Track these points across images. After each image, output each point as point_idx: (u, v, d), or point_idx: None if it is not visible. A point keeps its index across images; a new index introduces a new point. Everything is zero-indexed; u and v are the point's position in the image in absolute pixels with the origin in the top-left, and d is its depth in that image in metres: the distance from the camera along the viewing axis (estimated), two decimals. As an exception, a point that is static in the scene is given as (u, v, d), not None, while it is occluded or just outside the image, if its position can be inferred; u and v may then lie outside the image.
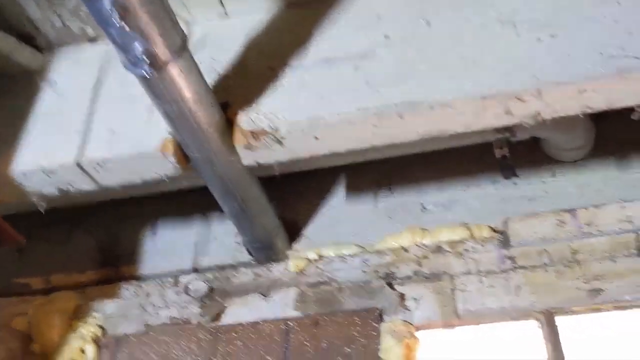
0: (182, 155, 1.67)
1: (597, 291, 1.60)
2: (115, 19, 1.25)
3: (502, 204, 2.06)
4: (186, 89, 1.45)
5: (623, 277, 1.60)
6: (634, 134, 2.09)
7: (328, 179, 2.36)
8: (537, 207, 2.01)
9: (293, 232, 2.22)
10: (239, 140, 1.61)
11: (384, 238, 2.06)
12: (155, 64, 1.35)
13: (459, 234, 1.95)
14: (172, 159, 1.66)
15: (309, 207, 2.29)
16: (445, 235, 1.96)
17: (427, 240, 1.97)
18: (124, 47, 1.33)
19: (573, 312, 1.59)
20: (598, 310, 1.58)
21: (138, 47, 1.32)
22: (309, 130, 1.59)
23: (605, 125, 2.10)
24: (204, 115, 1.53)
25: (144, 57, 1.33)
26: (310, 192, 2.33)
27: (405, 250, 1.91)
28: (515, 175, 2.13)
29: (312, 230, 2.22)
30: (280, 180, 2.12)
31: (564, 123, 1.89)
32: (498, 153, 2.14)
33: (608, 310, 1.58)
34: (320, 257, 2.02)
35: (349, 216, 2.22)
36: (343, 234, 2.18)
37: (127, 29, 1.28)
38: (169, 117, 1.53)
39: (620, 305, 1.57)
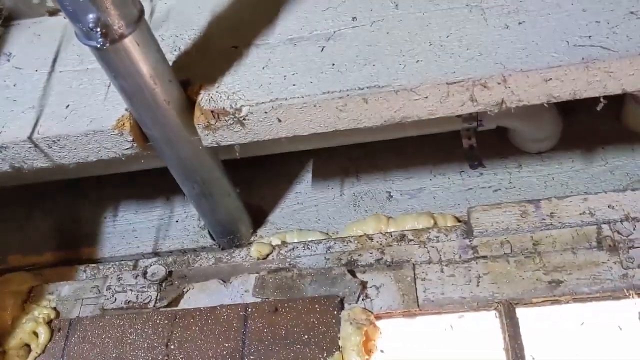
0: (140, 134, 1.62)
1: (556, 283, 1.59)
2: (67, -14, 1.19)
3: (467, 194, 2.05)
4: (142, 63, 1.39)
5: (582, 269, 1.60)
6: (600, 128, 2.10)
7: (295, 165, 2.32)
8: (502, 198, 2.00)
9: (258, 217, 2.18)
10: (198, 120, 1.56)
11: (348, 225, 2.04)
12: (109, 35, 1.29)
13: (423, 222, 1.93)
14: (129, 137, 1.60)
15: (276, 192, 2.26)
16: (410, 224, 1.94)
17: (391, 228, 1.95)
18: (76, 17, 1.27)
19: (533, 304, 1.58)
20: (557, 302, 1.57)
21: (91, 17, 1.26)
22: (272, 112, 1.55)
23: (573, 118, 2.10)
24: (162, 92, 1.47)
25: (97, 28, 1.27)
26: (277, 178, 2.29)
27: (370, 238, 1.89)
28: (482, 165, 2.12)
29: (278, 216, 2.18)
30: (247, 165, 2.09)
31: (531, 114, 1.88)
32: (466, 143, 2.14)
33: (567, 302, 1.57)
34: (284, 243, 1.99)
35: (315, 203, 2.19)
36: (308, 220, 2.15)
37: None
38: (125, 92, 1.47)
39: (579, 297, 1.56)
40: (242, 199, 2.06)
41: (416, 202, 2.09)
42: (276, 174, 2.29)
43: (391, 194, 2.14)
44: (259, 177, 2.28)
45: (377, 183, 2.19)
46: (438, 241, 1.78)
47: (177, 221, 2.23)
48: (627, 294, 1.54)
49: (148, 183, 2.29)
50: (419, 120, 1.58)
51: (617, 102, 2.05)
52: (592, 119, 2.09)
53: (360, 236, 1.91)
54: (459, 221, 1.94)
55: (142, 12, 1.35)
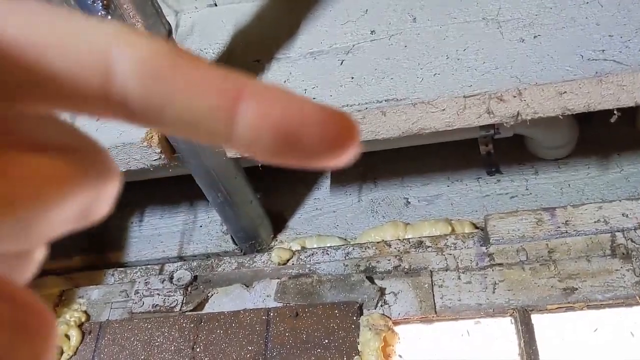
0: (168, 146, 1.68)
1: (571, 290, 1.63)
2: (99, 9, 1.26)
3: (484, 200, 2.09)
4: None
5: (596, 277, 1.63)
6: (615, 134, 2.12)
7: (314, 171, 2.38)
8: (519, 204, 2.04)
9: (278, 223, 2.24)
10: (223, 133, 1.62)
11: (366, 231, 2.10)
12: (139, 56, 1.35)
13: (440, 229, 1.97)
14: (157, 149, 1.67)
15: (295, 198, 2.32)
16: (427, 230, 1.99)
17: (409, 235, 2.00)
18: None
19: (547, 310, 1.62)
20: (571, 308, 1.61)
21: (122, 38, 1.33)
22: (293, 124, 1.60)
23: (589, 124, 2.13)
24: (189, 107, 1.53)
25: (128, 49, 1.34)
26: (296, 184, 2.35)
27: (387, 244, 1.94)
28: (499, 172, 2.16)
29: (297, 221, 2.24)
30: (267, 171, 2.15)
31: (547, 122, 1.92)
32: (483, 150, 2.17)
33: (581, 309, 1.60)
34: (304, 248, 2.05)
35: (334, 209, 2.25)
36: (327, 226, 2.20)
37: (110, 19, 1.28)
38: (154, 108, 1.53)
39: (593, 304, 1.60)
40: (262, 205, 2.12)
41: (433, 208, 2.13)
42: (295, 180, 2.35)
43: (409, 200, 2.19)
44: (278, 183, 2.34)
45: (394, 189, 2.23)
46: (455, 248, 1.82)
47: (200, 226, 2.30)
48: (639, 301, 1.58)
49: (172, 189, 2.36)
50: (436, 131, 1.62)
51: (633, 108, 2.07)
52: (607, 125, 2.10)
53: (378, 242, 1.97)
54: (476, 227, 1.98)
55: (170, 31, 1.42)
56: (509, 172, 2.14)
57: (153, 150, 1.67)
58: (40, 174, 0.22)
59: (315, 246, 2.06)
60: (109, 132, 1.70)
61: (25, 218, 0.21)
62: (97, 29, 0.21)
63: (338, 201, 2.27)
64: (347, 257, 1.92)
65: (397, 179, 2.26)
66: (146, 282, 1.93)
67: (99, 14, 1.25)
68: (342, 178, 2.33)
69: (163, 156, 1.69)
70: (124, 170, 1.76)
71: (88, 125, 1.73)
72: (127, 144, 1.67)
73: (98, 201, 0.24)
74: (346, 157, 0.21)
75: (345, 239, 2.12)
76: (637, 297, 1.59)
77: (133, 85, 0.20)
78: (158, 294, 1.90)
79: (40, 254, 0.24)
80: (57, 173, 0.22)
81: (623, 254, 1.66)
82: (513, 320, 1.63)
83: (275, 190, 2.33)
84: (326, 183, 2.34)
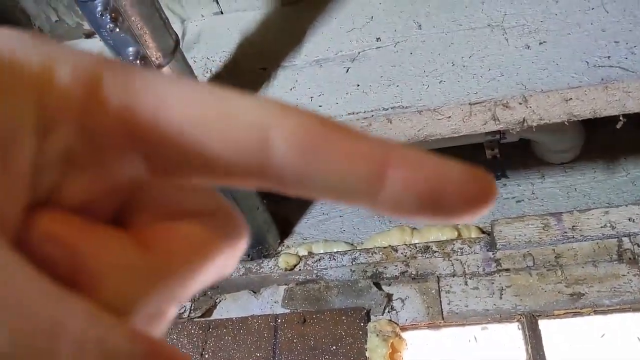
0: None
1: (578, 295, 1.63)
2: (107, 22, 1.27)
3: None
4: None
5: (603, 282, 1.63)
6: (622, 138, 2.12)
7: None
8: (525, 209, 2.05)
9: (285, 228, 2.25)
10: (230, 141, 1.63)
11: (373, 236, 2.10)
12: (148, 65, 1.37)
13: (447, 234, 1.98)
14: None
15: (301, 203, 2.32)
16: (434, 235, 1.99)
17: (415, 240, 2.00)
18: (117, 50, 1.35)
19: (554, 316, 1.62)
20: (579, 314, 1.61)
21: (131, 50, 1.34)
22: (299, 132, 1.61)
23: (595, 128, 2.13)
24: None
25: (137, 60, 1.35)
26: (302, 189, 2.36)
27: (394, 249, 1.94)
28: (505, 176, 2.16)
29: (304, 226, 2.25)
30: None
31: (553, 126, 1.92)
32: (489, 154, 2.18)
33: (588, 315, 1.61)
34: (310, 253, 2.06)
35: (340, 213, 2.26)
36: (333, 230, 2.21)
37: (119, 31, 1.30)
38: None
39: (600, 310, 1.60)
40: (269, 211, 2.13)
41: (440, 212, 2.13)
42: (302, 185, 2.36)
43: (415, 205, 2.19)
44: (285, 188, 2.35)
45: (401, 194, 2.24)
46: (462, 254, 1.83)
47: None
48: (647, 307, 1.58)
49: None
50: (442, 137, 1.63)
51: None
52: (614, 129, 2.11)
53: (385, 248, 1.97)
54: (483, 232, 1.99)
55: (177, 42, 1.43)
56: (515, 176, 2.14)
57: (161, 158, 1.68)
58: (189, 244, 0.23)
59: (322, 251, 2.07)
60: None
61: (176, 287, 0.23)
62: (251, 105, 0.22)
63: (344, 206, 2.28)
64: (354, 263, 1.93)
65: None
66: (154, 289, 1.94)
67: (107, 26, 1.26)
68: (348, 183, 2.34)
69: (171, 164, 1.70)
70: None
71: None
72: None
73: (231, 259, 0.26)
74: (482, 213, 0.23)
75: (352, 244, 2.13)
76: (645, 302, 1.59)
77: (290, 160, 0.22)
78: (166, 301, 1.91)
79: (174, 312, 0.25)
80: (203, 240, 0.24)
81: (630, 258, 1.66)
82: (520, 326, 1.64)
83: (282, 196, 2.33)
84: (332, 188, 2.35)
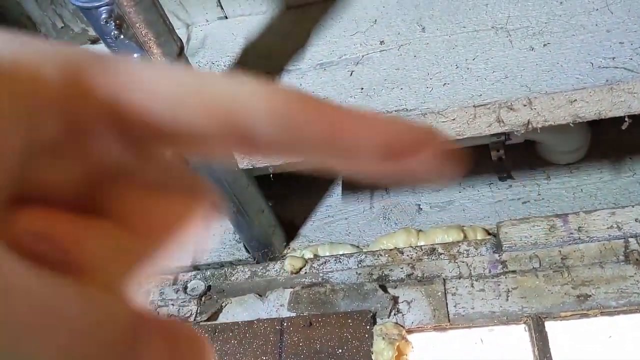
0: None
1: (584, 297, 1.62)
2: (112, 29, 1.28)
3: (496, 206, 2.09)
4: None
5: (610, 283, 1.63)
6: (627, 138, 2.11)
7: (325, 178, 2.39)
8: (531, 210, 2.04)
9: (290, 230, 2.25)
10: (235, 145, 1.64)
11: (379, 239, 2.10)
12: (152, 72, 1.37)
13: (453, 235, 1.98)
14: (170, 162, 1.68)
15: (307, 205, 2.33)
16: (440, 237, 1.99)
17: (421, 242, 2.00)
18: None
19: (561, 317, 1.62)
20: (585, 315, 1.61)
21: (136, 56, 1.34)
22: (304, 136, 1.62)
23: (601, 128, 2.13)
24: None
25: (141, 66, 1.35)
26: (307, 191, 2.36)
27: (400, 252, 1.95)
28: (510, 177, 2.16)
29: (309, 229, 2.25)
30: (278, 179, 2.16)
31: (558, 127, 1.92)
32: (494, 155, 2.17)
33: (595, 316, 1.60)
34: (316, 256, 2.06)
35: (345, 216, 2.26)
36: (339, 233, 2.21)
37: (124, 38, 1.30)
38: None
39: (607, 311, 1.60)
40: (274, 213, 2.14)
41: (446, 214, 2.13)
42: (307, 187, 2.36)
43: (420, 207, 2.19)
44: (290, 190, 2.35)
45: (406, 196, 2.24)
46: (468, 255, 1.82)
47: (214, 235, 2.32)
48: (654, 308, 1.57)
49: (185, 198, 2.38)
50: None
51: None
52: (619, 129, 2.10)
53: (391, 250, 1.97)
54: (489, 234, 1.98)
55: (182, 48, 1.43)
56: (520, 178, 2.14)
57: (166, 163, 1.69)
58: (167, 218, 0.25)
59: (327, 254, 2.07)
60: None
61: (157, 260, 0.25)
62: (223, 82, 0.24)
63: (350, 208, 2.28)
64: (359, 265, 1.93)
65: (409, 185, 2.26)
66: (161, 293, 1.95)
67: (112, 33, 1.27)
68: (354, 185, 2.34)
69: (176, 169, 1.70)
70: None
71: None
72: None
73: (206, 230, 0.27)
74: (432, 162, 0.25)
75: (358, 246, 2.13)
76: (652, 304, 1.58)
77: (264, 129, 0.23)
78: (172, 304, 1.92)
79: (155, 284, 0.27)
80: (180, 213, 0.26)
81: (637, 259, 1.66)
82: (527, 328, 1.64)
83: (287, 198, 2.34)
84: (337, 190, 2.35)
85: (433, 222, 2.12)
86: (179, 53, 1.42)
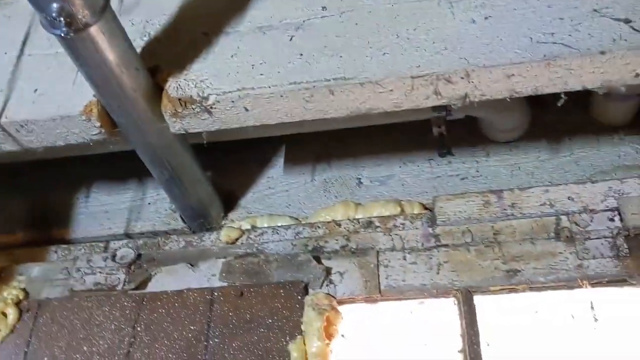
0: (108, 120, 1.63)
1: (514, 272, 1.64)
2: None
3: (435, 182, 2.09)
4: (108, 52, 1.39)
5: (540, 260, 1.65)
6: (568, 118, 2.13)
7: (267, 150, 2.34)
8: (469, 186, 2.04)
9: (229, 201, 2.20)
10: (166, 107, 1.58)
11: (318, 211, 2.07)
12: (74, 24, 1.29)
13: (390, 209, 1.96)
14: (97, 123, 1.61)
15: (247, 176, 2.28)
16: (378, 211, 1.97)
17: (359, 215, 1.98)
18: (40, 7, 1.28)
19: (490, 292, 1.63)
20: (514, 290, 1.62)
21: (55, 6, 1.26)
22: (239, 101, 1.57)
23: (541, 108, 2.14)
24: (129, 80, 1.48)
25: (61, 17, 1.27)
26: (249, 162, 2.31)
27: (338, 224, 1.92)
28: (451, 153, 2.15)
29: (249, 200, 2.21)
30: (219, 149, 2.10)
31: (499, 104, 1.91)
32: (436, 131, 2.16)
33: (523, 291, 1.62)
34: (254, 227, 2.02)
35: (286, 188, 2.22)
36: (279, 205, 2.17)
37: (43, -14, 1.22)
38: (92, 80, 1.48)
39: (535, 287, 1.61)
40: (213, 183, 2.08)
41: (385, 189, 2.12)
42: (248, 158, 2.31)
43: (361, 181, 2.17)
44: (231, 160, 2.30)
45: (347, 169, 2.21)
46: (403, 229, 1.82)
47: (149, 203, 2.25)
48: (580, 284, 1.60)
49: (120, 164, 2.29)
50: (386, 112, 1.60)
51: (586, 93, 2.08)
52: (560, 109, 2.12)
53: (328, 222, 1.95)
54: (426, 208, 1.98)
55: (107, 2, 1.35)
56: (460, 154, 2.14)
57: (92, 124, 1.61)
58: None
59: (265, 225, 2.03)
60: (47, 104, 1.63)
61: None
62: None
63: (291, 180, 2.24)
64: (297, 237, 1.90)
65: (351, 159, 2.24)
66: (88, 260, 1.88)
67: None
68: (296, 157, 2.30)
69: (103, 130, 1.63)
70: (63, 144, 1.70)
71: (25, 97, 1.67)
72: (65, 117, 1.61)
73: None
74: None
75: (297, 219, 2.09)
76: (579, 280, 1.61)
77: None
78: (100, 272, 1.85)
79: None
80: None
81: (567, 237, 1.68)
82: (456, 301, 1.64)
83: (228, 169, 2.28)
84: (280, 162, 2.30)
85: (373, 196, 2.11)
86: (104, 5, 1.34)
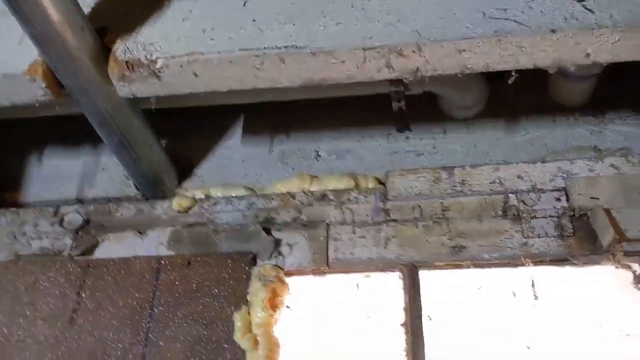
0: (55, 81, 1.58)
1: (459, 248, 1.65)
2: None
3: (392, 157, 2.08)
4: (51, 9, 1.35)
5: (486, 237, 1.66)
6: (526, 97, 2.14)
7: (226, 118, 2.31)
8: (425, 163, 2.04)
9: (185, 169, 2.17)
10: (113, 70, 1.54)
11: (273, 183, 2.06)
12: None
13: (345, 183, 1.96)
14: (42, 84, 1.57)
15: (204, 145, 2.25)
16: (333, 184, 1.96)
17: (314, 188, 1.98)
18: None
19: (435, 267, 1.64)
20: (458, 266, 1.64)
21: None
22: (188, 66, 1.54)
23: (500, 86, 2.13)
24: (74, 40, 1.44)
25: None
26: (206, 130, 2.28)
27: (292, 196, 1.91)
28: (408, 129, 2.15)
29: (205, 169, 2.18)
30: (176, 115, 2.07)
31: (457, 81, 1.91)
32: (395, 106, 2.15)
33: (467, 267, 1.63)
34: (208, 197, 2.00)
35: (243, 158, 2.20)
36: (235, 175, 2.15)
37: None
38: (35, 39, 1.43)
39: (479, 263, 1.63)
40: (170, 150, 2.05)
41: (342, 162, 2.11)
42: (206, 126, 2.28)
43: (319, 153, 2.16)
44: (187, 127, 2.27)
45: (306, 141, 2.20)
46: (356, 203, 1.81)
47: (102, 169, 2.21)
48: (524, 262, 1.61)
49: (75, 127, 2.24)
50: (340, 83, 1.58)
51: (544, 73, 2.08)
52: (519, 88, 2.12)
53: (283, 194, 1.94)
54: (381, 183, 1.98)
55: (46, -45, 1.30)
56: (418, 130, 2.13)
57: (38, 84, 1.57)
58: None
59: (220, 195, 2.01)
60: (-10, 63, 1.59)
61: None
62: None
63: (249, 151, 2.22)
64: (250, 208, 1.89)
65: (310, 131, 2.22)
66: (35, 225, 1.85)
67: None
68: (255, 127, 2.27)
69: (49, 92, 1.59)
70: (8, 105, 1.65)
71: (-32, 53, 1.61)
72: (8, 75, 1.56)
73: None
74: None
75: (253, 190, 2.08)
76: (522, 258, 1.62)
77: None
78: (47, 237, 1.82)
79: None
80: None
81: (514, 215, 1.69)
82: (401, 275, 1.65)
83: (184, 135, 2.25)
84: (238, 132, 2.28)
85: (330, 169, 2.10)
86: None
